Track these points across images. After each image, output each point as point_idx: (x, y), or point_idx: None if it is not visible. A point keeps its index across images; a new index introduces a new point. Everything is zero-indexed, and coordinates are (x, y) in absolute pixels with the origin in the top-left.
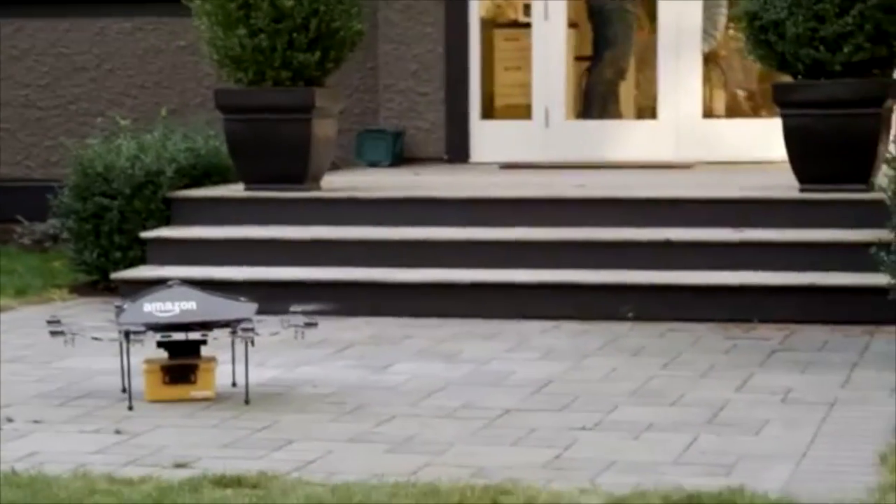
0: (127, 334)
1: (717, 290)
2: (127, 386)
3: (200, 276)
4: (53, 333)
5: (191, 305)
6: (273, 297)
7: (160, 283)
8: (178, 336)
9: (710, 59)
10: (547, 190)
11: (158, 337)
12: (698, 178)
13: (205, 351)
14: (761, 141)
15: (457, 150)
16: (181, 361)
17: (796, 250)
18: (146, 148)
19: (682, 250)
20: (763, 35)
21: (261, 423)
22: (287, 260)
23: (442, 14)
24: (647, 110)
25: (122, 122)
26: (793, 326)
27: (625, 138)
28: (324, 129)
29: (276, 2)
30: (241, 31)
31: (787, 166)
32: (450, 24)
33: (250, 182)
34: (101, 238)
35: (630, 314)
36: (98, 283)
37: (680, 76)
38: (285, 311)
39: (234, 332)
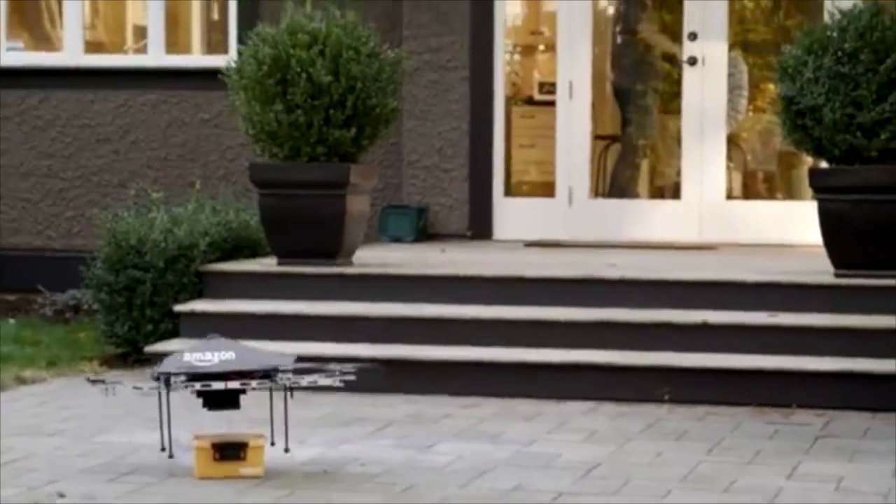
0: (167, 381)
1: (754, 373)
2: (167, 441)
3: None
4: (93, 382)
5: (230, 355)
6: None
7: None
8: (218, 385)
9: (731, 141)
10: (578, 270)
11: (198, 386)
12: (725, 260)
13: (250, 425)
14: (784, 223)
15: (480, 227)
16: (232, 439)
17: (832, 335)
18: (179, 221)
19: (718, 333)
20: (800, 120)
21: (313, 502)
22: (320, 335)
23: (467, 91)
24: (670, 190)
25: (155, 195)
26: (831, 413)
27: (648, 218)
28: (357, 205)
29: (313, 78)
30: (278, 106)
31: (813, 249)
32: (474, 102)
33: (283, 256)
34: (132, 311)
35: (667, 396)
36: (129, 355)
37: (703, 157)
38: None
39: (273, 381)
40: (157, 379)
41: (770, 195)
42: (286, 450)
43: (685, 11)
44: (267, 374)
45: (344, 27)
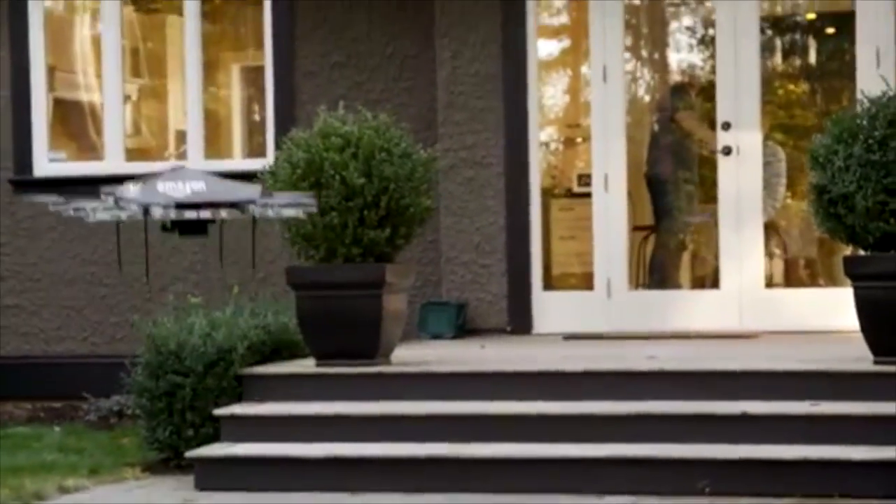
0: (146, 209)
1: (795, 464)
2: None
3: (275, 453)
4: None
5: (200, 186)
6: (349, 475)
7: (234, 461)
8: (191, 215)
9: (770, 228)
10: (617, 363)
11: (173, 215)
12: (766, 349)
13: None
14: (824, 310)
15: (519, 322)
16: None
17: (873, 424)
18: (217, 325)
19: (758, 423)
20: (832, 208)
21: None
22: (360, 435)
23: (503, 186)
24: (708, 280)
25: (194, 301)
26: (874, 502)
27: (688, 308)
28: (394, 304)
29: (347, 180)
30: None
31: (853, 336)
32: (510, 197)
33: (322, 358)
34: (173, 416)
35: (707, 489)
36: (170, 460)
37: (741, 245)
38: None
39: (241, 210)
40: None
41: (812, 282)
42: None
43: (718, 101)
44: (235, 205)
45: (376, 129)
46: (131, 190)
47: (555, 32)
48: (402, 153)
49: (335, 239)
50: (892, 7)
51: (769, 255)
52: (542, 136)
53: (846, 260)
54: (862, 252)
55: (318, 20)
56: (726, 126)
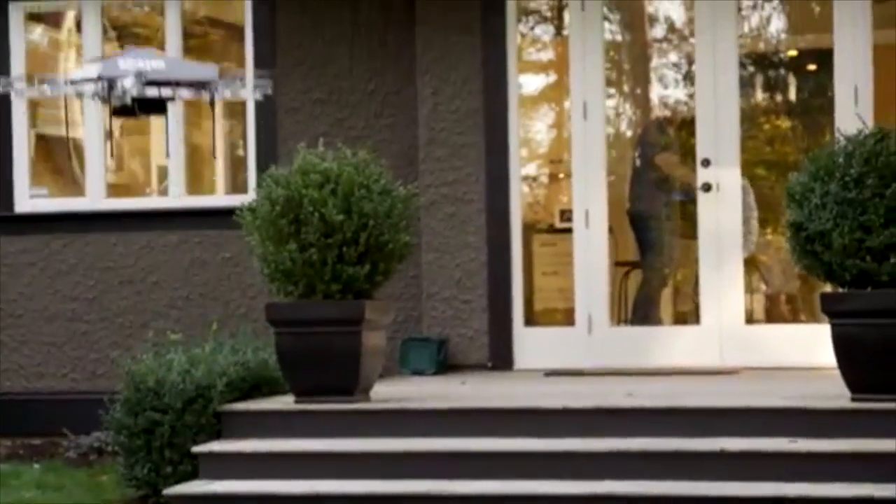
0: (110, 85)
1: (774, 501)
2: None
3: (253, 490)
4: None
5: (160, 65)
6: None
7: (212, 499)
8: (152, 92)
9: (751, 264)
10: (597, 399)
11: (135, 92)
12: (746, 385)
13: None
14: (806, 346)
15: (500, 358)
16: None
17: (850, 460)
18: (197, 362)
19: (736, 460)
20: (809, 245)
21: None
22: (340, 472)
23: (484, 223)
24: (689, 316)
25: (173, 337)
26: None
27: (668, 344)
28: (373, 340)
29: (326, 217)
30: (292, 245)
31: (834, 372)
32: (491, 233)
33: (301, 394)
34: (152, 453)
35: None
36: (148, 497)
37: (722, 281)
38: None
39: (200, 91)
40: (100, 79)
41: (793, 317)
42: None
43: (697, 138)
44: (193, 84)
45: (355, 165)
46: (93, 68)
47: (537, 68)
48: (381, 190)
49: (314, 275)
50: (871, 45)
51: (750, 290)
52: (524, 171)
53: (823, 297)
54: (839, 289)
55: (300, 56)
56: (706, 163)
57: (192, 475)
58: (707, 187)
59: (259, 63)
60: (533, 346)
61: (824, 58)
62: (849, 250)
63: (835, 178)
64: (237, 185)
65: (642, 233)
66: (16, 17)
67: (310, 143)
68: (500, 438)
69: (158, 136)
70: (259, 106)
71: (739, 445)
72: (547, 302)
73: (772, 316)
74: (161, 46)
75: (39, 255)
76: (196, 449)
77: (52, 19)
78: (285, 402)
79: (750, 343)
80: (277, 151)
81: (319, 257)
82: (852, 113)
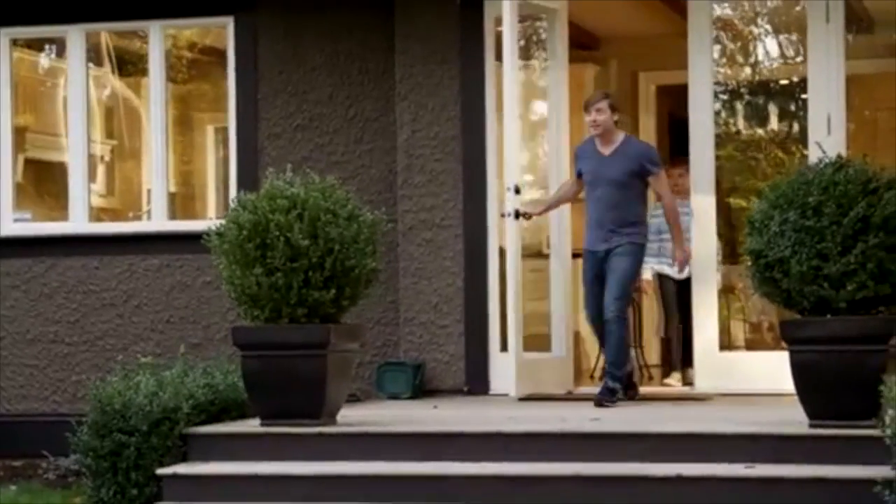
0: None
1: None
2: None
3: None
4: None
5: None
6: None
7: None
8: None
9: (726, 291)
10: (560, 424)
11: None
12: (714, 411)
13: None
14: (779, 373)
15: (477, 382)
16: None
17: (808, 486)
18: (165, 384)
19: (693, 485)
20: (769, 273)
21: None
22: (304, 495)
23: (461, 248)
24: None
25: (143, 360)
26: None
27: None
28: (339, 364)
29: (292, 241)
30: (258, 269)
31: None
32: (469, 258)
33: (266, 417)
34: (118, 475)
35: None
36: None
37: (697, 308)
38: None
39: None
40: None
41: (767, 344)
42: None
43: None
44: None
45: (322, 191)
46: None
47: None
48: (348, 215)
49: (280, 299)
50: (843, 76)
51: (725, 317)
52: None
53: (782, 324)
54: (798, 316)
55: (282, 83)
56: None
57: (158, 497)
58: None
59: (241, 88)
60: (509, 371)
61: (798, 88)
62: (806, 277)
63: (794, 206)
64: (224, 210)
65: None
66: (3, 42)
67: (292, 168)
68: (463, 462)
69: (149, 162)
70: (241, 131)
71: (696, 471)
72: (528, 328)
73: (746, 343)
74: (145, 73)
75: (22, 277)
76: (161, 471)
77: (37, 45)
78: (251, 425)
79: (724, 370)
80: (259, 176)
81: (285, 282)
82: (825, 142)
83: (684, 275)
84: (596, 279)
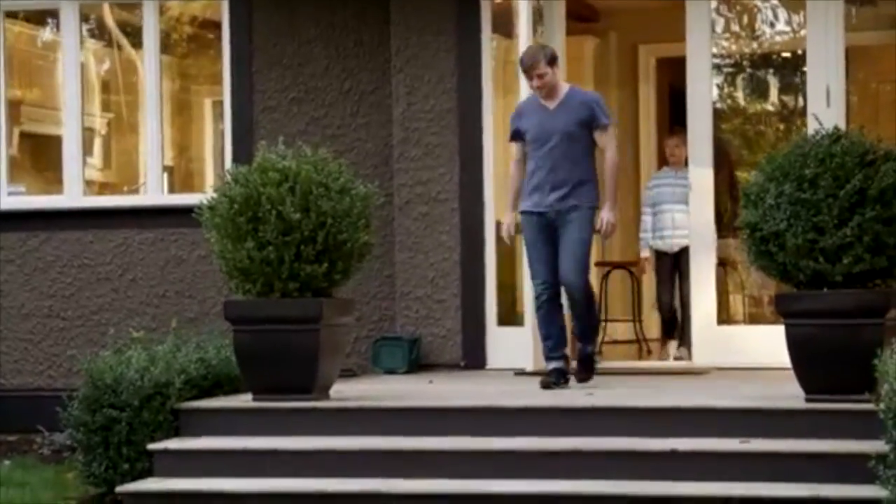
0: None
1: (724, 501)
2: None
3: (207, 488)
4: None
5: None
6: None
7: (165, 496)
8: None
9: (725, 265)
10: (556, 399)
11: None
12: (710, 385)
13: None
14: (778, 347)
15: (473, 357)
16: None
17: (803, 461)
18: (156, 359)
19: (687, 460)
20: (764, 246)
21: None
22: (295, 470)
23: (458, 222)
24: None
25: (135, 335)
26: None
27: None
28: (332, 339)
29: (283, 215)
30: (250, 243)
31: None
32: (465, 232)
33: (259, 392)
34: (109, 450)
35: None
36: (105, 495)
37: (695, 282)
38: None
39: None
40: None
41: (765, 318)
42: None
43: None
44: None
45: (314, 164)
46: None
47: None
48: (340, 188)
49: (272, 273)
50: (843, 48)
51: (724, 291)
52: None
53: (777, 298)
54: (794, 289)
55: (277, 55)
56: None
57: (149, 472)
58: None
59: (236, 61)
60: (506, 345)
61: (797, 61)
62: (802, 251)
63: (790, 179)
64: (218, 184)
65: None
66: None
67: (286, 141)
68: (456, 437)
69: (145, 135)
70: (236, 104)
71: (690, 445)
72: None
73: (744, 317)
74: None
75: (17, 252)
76: (151, 446)
77: (36, 19)
78: (243, 400)
79: (722, 344)
80: (254, 150)
81: (277, 255)
82: (824, 114)
83: (677, 248)
84: (549, 241)
